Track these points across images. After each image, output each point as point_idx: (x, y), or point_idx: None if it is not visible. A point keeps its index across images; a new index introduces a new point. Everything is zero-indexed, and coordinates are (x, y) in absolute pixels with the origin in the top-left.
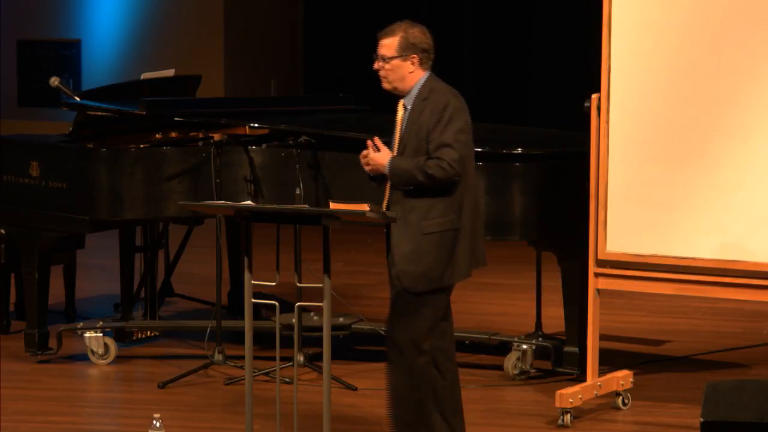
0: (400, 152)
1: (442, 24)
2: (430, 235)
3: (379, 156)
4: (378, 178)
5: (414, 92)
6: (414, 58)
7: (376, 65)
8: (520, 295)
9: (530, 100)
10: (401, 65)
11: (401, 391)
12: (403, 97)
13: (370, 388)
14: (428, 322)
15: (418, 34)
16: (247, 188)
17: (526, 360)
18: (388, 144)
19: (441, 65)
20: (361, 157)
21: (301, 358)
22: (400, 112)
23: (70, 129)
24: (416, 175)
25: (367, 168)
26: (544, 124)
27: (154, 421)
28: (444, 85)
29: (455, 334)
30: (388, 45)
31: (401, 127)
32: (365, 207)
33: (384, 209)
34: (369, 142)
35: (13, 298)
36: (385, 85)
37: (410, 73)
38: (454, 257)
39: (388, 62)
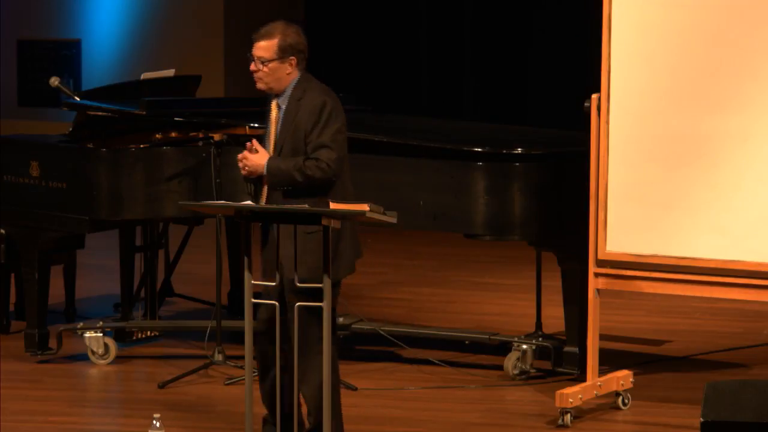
0: (277, 153)
1: (442, 24)
2: (312, 234)
3: (256, 157)
4: (253, 179)
5: (288, 92)
6: (292, 59)
7: (252, 66)
8: (520, 295)
9: (530, 100)
10: (279, 67)
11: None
12: (277, 96)
13: (370, 388)
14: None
15: (295, 35)
16: (247, 188)
17: (526, 360)
18: (263, 143)
19: (441, 65)
20: (238, 159)
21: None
22: (274, 112)
23: (70, 129)
24: (295, 175)
25: (244, 171)
26: (544, 124)
27: (154, 421)
28: (318, 84)
29: (455, 334)
30: (266, 47)
31: (276, 127)
32: (365, 207)
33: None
34: (248, 144)
35: (13, 298)
36: (260, 86)
37: (288, 74)
38: (338, 254)
39: (266, 65)
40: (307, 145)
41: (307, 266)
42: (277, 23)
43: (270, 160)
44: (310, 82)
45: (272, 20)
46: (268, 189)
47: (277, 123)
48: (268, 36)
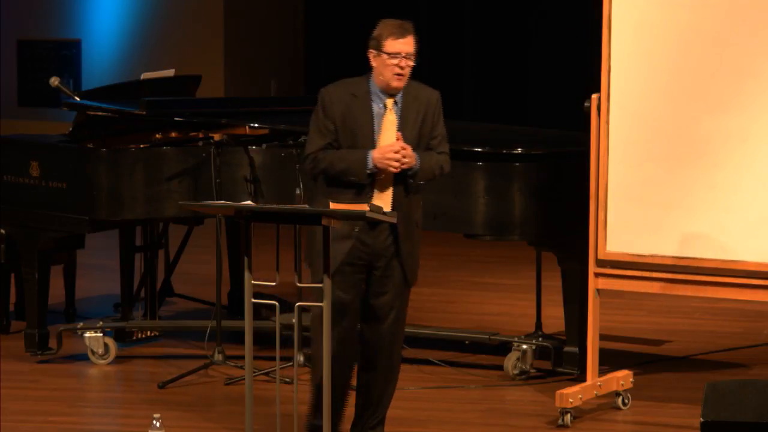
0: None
1: (442, 24)
2: (419, 228)
3: (411, 150)
4: (371, 175)
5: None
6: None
7: (402, 63)
8: (520, 295)
9: (530, 100)
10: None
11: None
12: (392, 94)
13: None
14: None
15: None
16: (247, 188)
17: (526, 360)
18: (371, 140)
19: (442, 65)
20: (395, 151)
21: (301, 358)
22: (390, 110)
23: (70, 129)
24: (435, 171)
25: (404, 161)
26: (544, 124)
27: (154, 421)
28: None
29: (455, 334)
30: (412, 42)
31: (397, 123)
32: (365, 207)
33: (390, 208)
34: (398, 134)
35: (13, 298)
36: (402, 84)
37: None
38: (416, 258)
39: (412, 59)
40: (433, 139)
41: (415, 260)
42: (396, 20)
43: (420, 153)
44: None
45: (272, 20)
46: (393, 187)
47: (395, 119)
48: (410, 32)
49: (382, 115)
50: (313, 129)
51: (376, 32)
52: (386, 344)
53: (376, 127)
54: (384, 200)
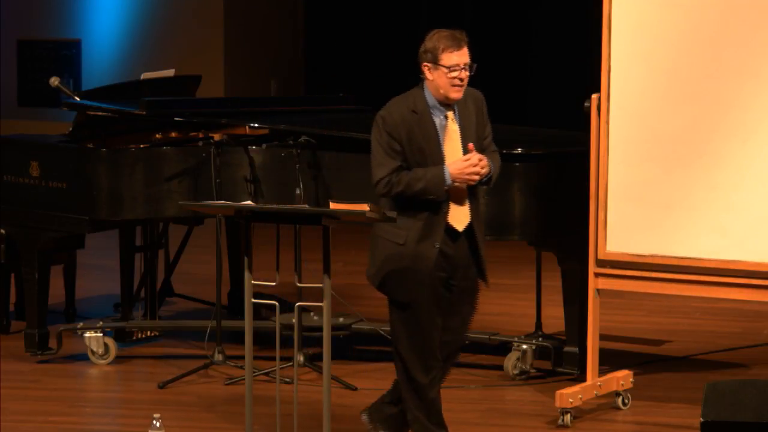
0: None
1: (442, 24)
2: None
3: (486, 159)
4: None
5: None
6: None
7: (462, 74)
8: (520, 295)
9: (530, 100)
10: None
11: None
12: (449, 105)
13: (370, 388)
14: None
15: None
16: (247, 188)
17: (526, 360)
18: (439, 154)
19: None
20: (473, 164)
21: (301, 358)
22: (451, 121)
23: (70, 129)
24: (497, 172)
25: (482, 172)
26: (544, 124)
27: (154, 421)
28: None
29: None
30: (467, 52)
31: (463, 134)
32: (365, 207)
33: (469, 219)
34: (470, 146)
35: (13, 298)
36: (461, 94)
37: None
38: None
39: (469, 69)
40: (485, 139)
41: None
42: (447, 30)
43: (489, 160)
44: None
45: (272, 20)
46: (473, 195)
47: (461, 130)
48: (465, 40)
49: (444, 127)
50: (379, 152)
51: (429, 45)
52: (454, 348)
53: (441, 140)
54: (462, 213)
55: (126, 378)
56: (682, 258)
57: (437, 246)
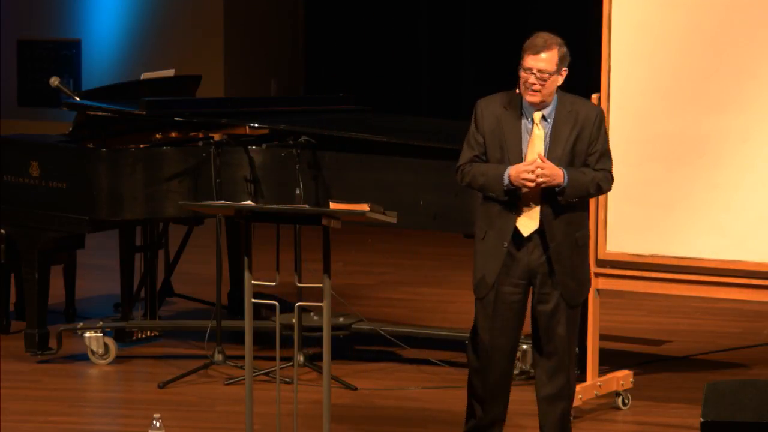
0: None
1: (442, 24)
2: (582, 248)
3: (553, 169)
4: (511, 192)
5: (554, 104)
6: (564, 71)
7: (533, 79)
8: None
9: None
10: (556, 79)
11: (567, 402)
12: (539, 109)
13: (370, 388)
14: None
15: (565, 46)
16: (247, 188)
17: (526, 360)
18: (518, 154)
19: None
20: (530, 170)
21: (301, 358)
22: (539, 126)
23: (70, 129)
24: (590, 188)
25: (539, 180)
26: None
27: (154, 421)
28: (572, 94)
29: (455, 334)
30: (550, 59)
31: (546, 141)
32: (365, 207)
33: (537, 225)
34: (540, 154)
35: (13, 298)
36: (536, 99)
37: (558, 86)
38: (585, 273)
39: (549, 76)
40: (589, 155)
41: (577, 281)
42: (545, 33)
43: (568, 171)
44: (561, 91)
45: (272, 20)
46: (546, 202)
47: (545, 137)
48: (548, 48)
49: (530, 130)
50: (465, 141)
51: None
52: (550, 364)
53: (524, 142)
54: (530, 218)
55: (126, 378)
56: (682, 258)
57: (505, 246)
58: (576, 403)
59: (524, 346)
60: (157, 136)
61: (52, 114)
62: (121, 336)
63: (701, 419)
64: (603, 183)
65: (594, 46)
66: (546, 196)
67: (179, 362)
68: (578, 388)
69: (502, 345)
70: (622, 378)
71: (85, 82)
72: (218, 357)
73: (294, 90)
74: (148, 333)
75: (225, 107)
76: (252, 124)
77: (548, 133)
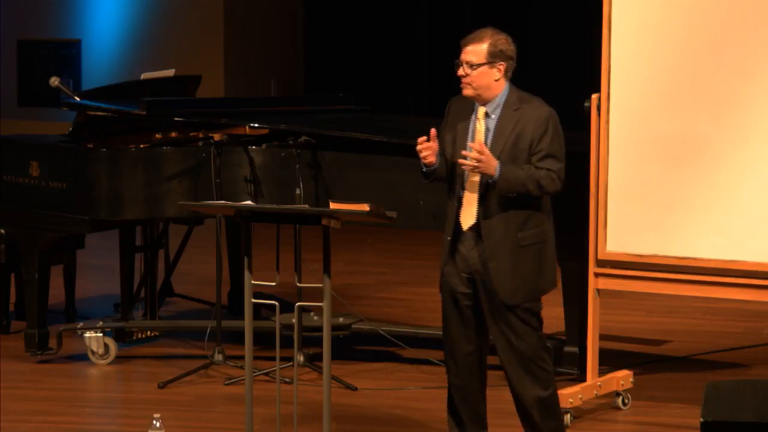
0: None
1: (441, 24)
2: (526, 248)
3: (489, 159)
4: (430, 174)
5: (500, 101)
6: (501, 65)
7: (460, 71)
8: None
9: None
10: (488, 72)
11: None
12: (483, 104)
13: (370, 388)
14: (538, 330)
15: (505, 41)
16: (247, 188)
17: None
18: (463, 148)
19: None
20: (467, 154)
21: (301, 358)
22: (481, 121)
23: (70, 129)
24: (527, 184)
25: (477, 166)
26: None
27: (154, 421)
28: (531, 95)
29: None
30: (477, 51)
31: (487, 136)
32: (365, 207)
33: (474, 220)
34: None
35: (13, 298)
36: (468, 92)
37: (496, 80)
38: (545, 267)
39: (475, 68)
40: (532, 155)
41: (519, 280)
42: (487, 29)
43: (502, 165)
44: (522, 92)
45: (272, 20)
46: (483, 196)
47: (486, 132)
48: (477, 40)
49: (474, 124)
50: None
51: None
52: (510, 372)
53: (469, 138)
54: (469, 212)
55: (126, 378)
56: (682, 258)
57: (449, 239)
58: (576, 403)
59: None
60: (157, 136)
61: (52, 114)
62: (121, 336)
63: (701, 419)
64: (545, 181)
65: (594, 46)
66: (485, 192)
67: (179, 362)
68: (578, 388)
69: (461, 349)
70: (622, 378)
71: (85, 82)
72: (218, 357)
73: (294, 90)
74: (148, 333)
75: (225, 107)
76: (252, 124)
77: (491, 129)
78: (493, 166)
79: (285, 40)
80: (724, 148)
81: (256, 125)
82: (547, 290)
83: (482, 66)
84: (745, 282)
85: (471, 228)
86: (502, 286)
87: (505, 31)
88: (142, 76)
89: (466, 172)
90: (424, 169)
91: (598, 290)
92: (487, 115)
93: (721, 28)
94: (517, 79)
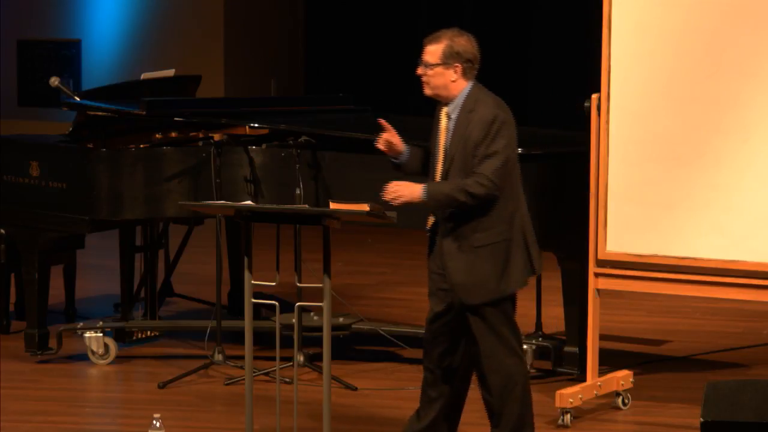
0: (447, 166)
1: (441, 24)
2: (481, 248)
3: (408, 187)
4: (399, 166)
5: (459, 102)
6: (457, 67)
7: (419, 70)
8: (520, 295)
9: (530, 100)
10: (444, 73)
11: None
12: (446, 104)
13: (370, 388)
14: (504, 329)
15: (464, 43)
16: (247, 188)
17: (526, 360)
18: (435, 146)
19: None
20: (386, 188)
21: (301, 358)
22: (444, 121)
23: (70, 129)
24: (457, 197)
25: (397, 201)
26: (544, 124)
27: (154, 421)
28: (490, 95)
29: None
30: (433, 52)
31: (446, 137)
32: (365, 207)
33: (430, 223)
34: (381, 120)
35: (13, 298)
36: (427, 91)
37: (453, 81)
38: (509, 267)
39: (431, 69)
40: (474, 157)
41: (477, 279)
42: (449, 29)
43: (428, 186)
44: (483, 93)
45: (272, 20)
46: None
47: (446, 132)
48: (436, 40)
49: (439, 122)
50: None
51: None
52: (480, 368)
53: (436, 138)
54: (434, 211)
55: (126, 378)
56: (682, 258)
57: (427, 230)
58: (576, 403)
59: (524, 346)
60: (157, 136)
61: (52, 114)
62: (121, 336)
63: (701, 419)
64: (473, 188)
65: (594, 46)
66: None
67: (179, 362)
68: (578, 388)
69: (440, 344)
70: (622, 378)
71: (85, 82)
72: (218, 357)
73: (294, 90)
74: (148, 333)
75: (225, 107)
76: (252, 124)
77: (449, 131)
78: (417, 190)
79: (285, 40)
80: (724, 148)
81: (256, 125)
82: (510, 292)
83: (437, 66)
84: (745, 282)
85: (434, 226)
86: (458, 286)
87: (505, 31)
88: (142, 76)
89: (434, 169)
90: (392, 161)
91: (598, 290)
92: (448, 115)
93: (721, 28)
94: (517, 78)
